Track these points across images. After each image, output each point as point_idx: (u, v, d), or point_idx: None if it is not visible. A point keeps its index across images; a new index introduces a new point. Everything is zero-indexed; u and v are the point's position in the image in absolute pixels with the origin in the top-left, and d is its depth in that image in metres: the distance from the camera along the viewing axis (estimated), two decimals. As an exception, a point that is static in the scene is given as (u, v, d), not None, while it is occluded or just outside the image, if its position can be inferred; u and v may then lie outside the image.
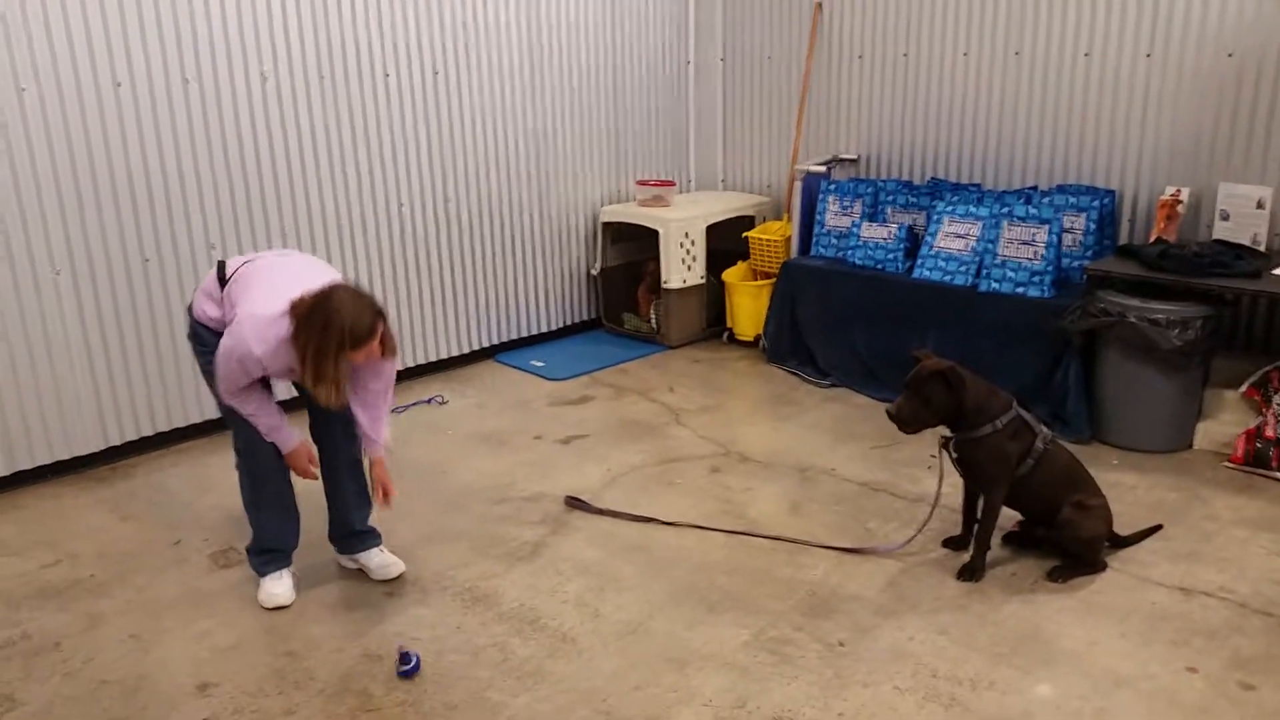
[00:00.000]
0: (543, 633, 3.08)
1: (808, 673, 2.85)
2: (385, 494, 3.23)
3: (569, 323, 6.13)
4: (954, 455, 3.30)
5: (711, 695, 2.76)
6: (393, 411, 4.81)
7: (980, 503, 3.36)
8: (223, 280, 3.06)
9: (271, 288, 2.92)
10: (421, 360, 5.42)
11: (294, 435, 3.15)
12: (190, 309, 3.16)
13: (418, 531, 3.72)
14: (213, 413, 4.50)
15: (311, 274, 2.99)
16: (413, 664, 2.91)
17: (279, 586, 3.26)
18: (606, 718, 2.69)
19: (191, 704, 2.78)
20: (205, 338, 3.08)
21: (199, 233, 4.41)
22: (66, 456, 4.21)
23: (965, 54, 5.28)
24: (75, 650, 3.04)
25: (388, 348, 2.95)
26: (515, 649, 3.00)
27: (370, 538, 3.45)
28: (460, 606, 3.23)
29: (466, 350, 5.62)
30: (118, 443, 4.35)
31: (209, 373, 3.07)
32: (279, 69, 4.52)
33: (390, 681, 2.86)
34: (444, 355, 5.51)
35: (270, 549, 3.29)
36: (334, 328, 2.76)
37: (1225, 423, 4.20)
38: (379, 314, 2.87)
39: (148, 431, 4.43)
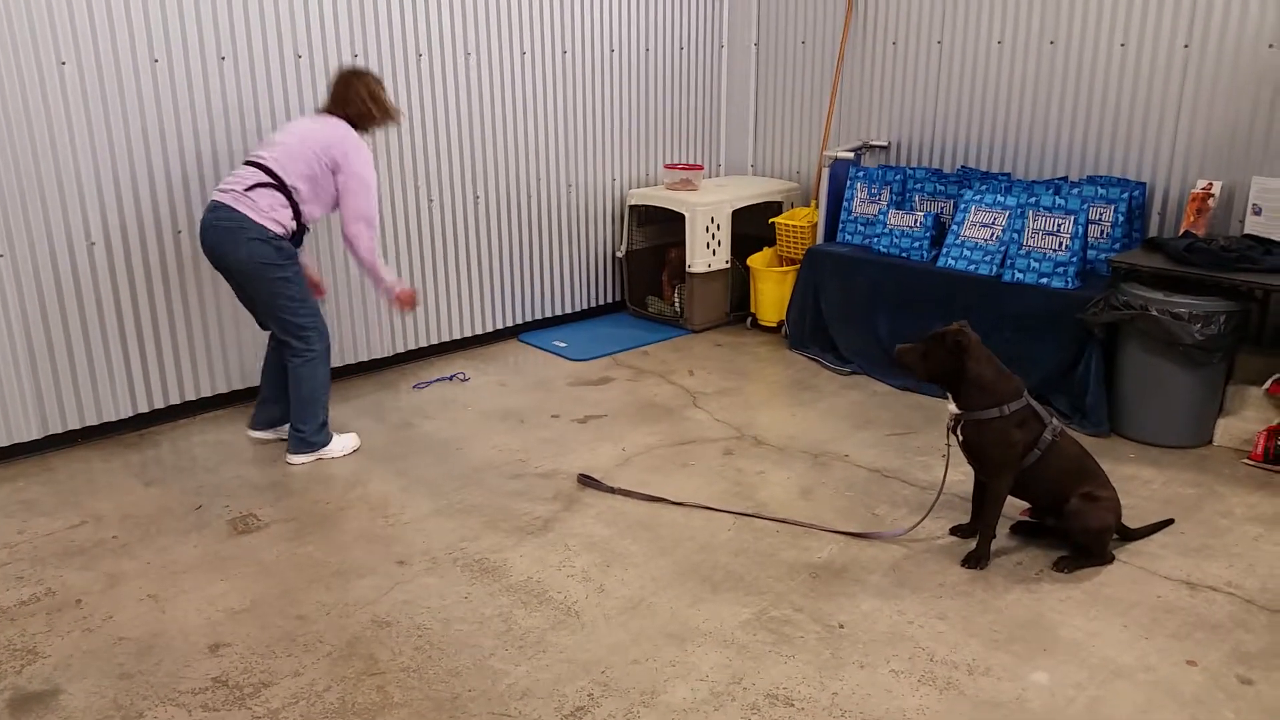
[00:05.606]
0: (547, 605, 3.13)
1: (805, 652, 2.87)
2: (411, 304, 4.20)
3: (593, 304, 6.17)
4: (960, 438, 3.30)
5: (708, 671, 2.80)
6: (415, 388, 4.96)
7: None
8: (285, 189, 3.80)
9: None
10: (446, 338, 5.49)
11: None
12: (258, 237, 3.75)
13: (433, 504, 3.79)
14: (239, 383, 4.63)
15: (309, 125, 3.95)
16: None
17: (350, 439, 4.27)
18: (604, 689, 2.73)
19: (204, 662, 2.87)
20: (289, 249, 3.87)
21: (229, 207, 4.50)
22: (96, 422, 4.33)
23: (1000, 42, 5.23)
24: (95, 607, 3.14)
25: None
26: (519, 620, 3.06)
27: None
28: (469, 577, 3.29)
29: (490, 329, 5.69)
30: (145, 410, 4.46)
31: (291, 288, 3.86)
32: (313, 49, 4.59)
33: (396, 647, 2.92)
34: (468, 333, 5.58)
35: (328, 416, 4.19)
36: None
37: (1247, 419, 4.15)
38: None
39: (175, 400, 4.54)
